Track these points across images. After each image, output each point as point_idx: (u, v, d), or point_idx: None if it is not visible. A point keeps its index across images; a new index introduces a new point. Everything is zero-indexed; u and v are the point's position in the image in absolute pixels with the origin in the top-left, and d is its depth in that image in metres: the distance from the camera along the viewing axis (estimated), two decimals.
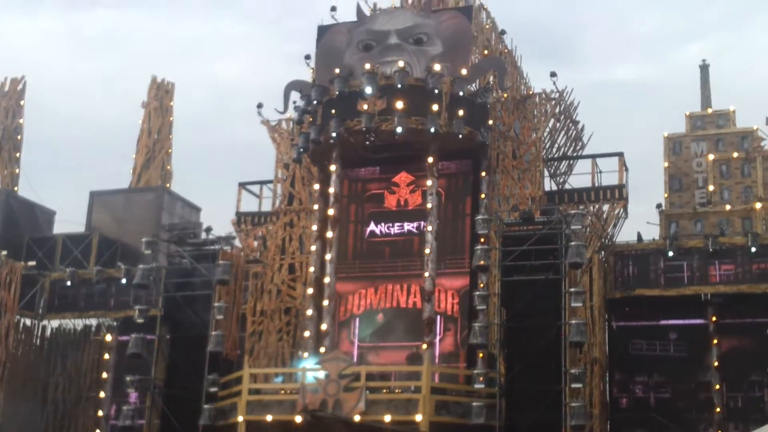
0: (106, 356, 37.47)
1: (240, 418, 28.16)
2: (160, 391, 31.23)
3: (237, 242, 35.74)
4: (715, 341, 31.18)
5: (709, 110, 47.43)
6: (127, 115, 74.46)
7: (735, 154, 43.60)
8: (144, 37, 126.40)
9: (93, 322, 39.17)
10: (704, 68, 51.00)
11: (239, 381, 29.15)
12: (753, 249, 31.48)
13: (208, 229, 33.69)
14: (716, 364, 30.95)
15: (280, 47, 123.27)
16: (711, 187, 43.10)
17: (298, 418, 27.39)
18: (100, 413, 36.55)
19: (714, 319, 31.48)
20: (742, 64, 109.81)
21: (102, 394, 36.62)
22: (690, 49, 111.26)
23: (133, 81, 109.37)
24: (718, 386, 30.74)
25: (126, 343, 32.68)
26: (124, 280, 35.66)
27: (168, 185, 47.94)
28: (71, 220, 47.91)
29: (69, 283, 38.07)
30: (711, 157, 43.89)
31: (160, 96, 50.59)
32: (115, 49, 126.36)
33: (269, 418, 27.96)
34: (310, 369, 28.55)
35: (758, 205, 40.22)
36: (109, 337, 37.75)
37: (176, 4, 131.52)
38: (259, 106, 36.48)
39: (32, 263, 40.73)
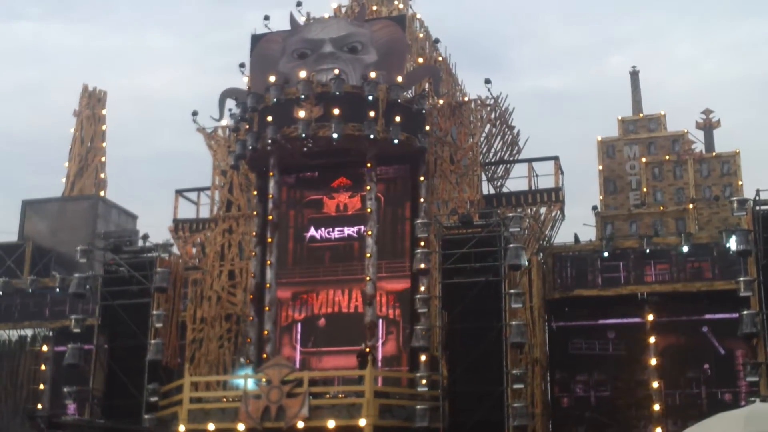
0: (43, 367, 36.73)
1: (182, 428, 27.86)
2: (99, 401, 30.72)
3: (175, 249, 35.41)
4: (653, 339, 31.69)
5: (641, 115, 48.23)
6: (53, 128, 73.15)
7: (667, 157, 44.43)
8: (67, 50, 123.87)
9: (28, 332, 38.35)
10: (634, 74, 51.79)
11: (180, 390, 28.84)
12: (685, 248, 32.06)
13: (145, 237, 33.22)
14: (654, 361, 31.46)
15: (207, 60, 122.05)
16: (644, 189, 43.88)
17: (241, 426, 27.23)
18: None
19: (651, 317, 32.01)
20: (665, 73, 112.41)
21: (39, 406, 35.87)
22: (615, 59, 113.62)
23: (58, 94, 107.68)
24: (656, 383, 31.24)
25: (63, 353, 32.13)
26: (59, 290, 35.02)
27: (102, 193, 47.23)
28: (2, 230, 46.92)
29: (2, 293, 37.25)
30: (644, 160, 44.68)
31: (92, 104, 49.82)
32: (38, 62, 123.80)
33: (211, 426, 27.72)
34: (252, 376, 28.44)
35: (690, 206, 41.14)
36: (45, 348, 37.00)
37: (100, 19, 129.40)
38: (194, 113, 36.17)
39: None
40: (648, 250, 32.38)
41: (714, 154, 44.75)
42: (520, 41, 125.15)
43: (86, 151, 48.39)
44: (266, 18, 35.44)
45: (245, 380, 28.43)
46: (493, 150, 38.23)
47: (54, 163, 57.49)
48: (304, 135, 31.66)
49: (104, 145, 49.30)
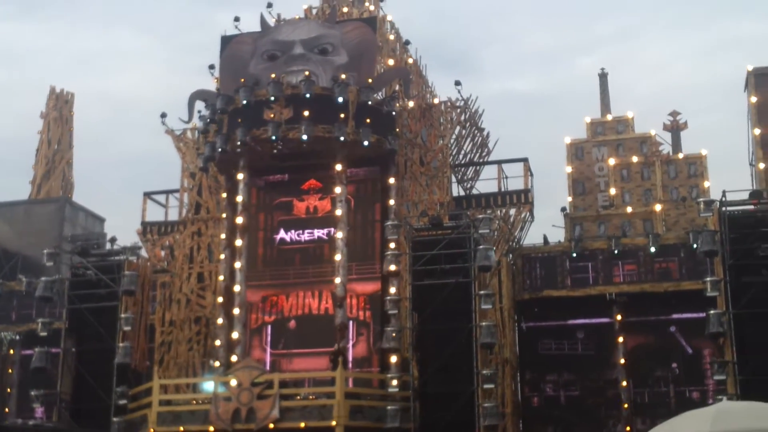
0: (10, 371, 36.40)
1: (151, 431, 27.66)
2: (67, 405, 30.44)
3: (143, 252, 35.13)
4: (621, 339, 31.99)
5: (609, 117, 48.52)
6: (22, 129, 72.57)
7: (634, 159, 44.76)
8: (38, 51, 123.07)
9: None
10: (603, 77, 52.07)
11: (149, 392, 28.64)
12: (653, 249, 32.37)
13: (113, 240, 33.00)
14: (622, 361, 31.77)
15: (177, 61, 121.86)
16: (613, 191, 44.15)
17: (211, 429, 27.09)
18: None
19: (619, 317, 32.30)
20: (634, 75, 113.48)
21: (6, 410, 35.55)
22: (584, 61, 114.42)
23: (27, 94, 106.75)
24: (624, 383, 31.53)
25: (30, 357, 31.81)
26: (25, 293, 34.70)
27: (70, 196, 46.82)
28: None
29: None
30: (612, 161, 44.98)
31: (60, 106, 49.45)
32: (7, 62, 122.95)
33: (181, 429, 27.54)
34: (222, 378, 28.32)
35: (658, 207, 41.50)
36: (12, 352, 36.66)
37: (71, 19, 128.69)
38: (163, 115, 35.90)
39: None
40: (616, 251, 32.63)
41: (681, 155, 45.16)
42: (490, 43, 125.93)
43: (53, 153, 48.02)
44: (236, 19, 35.25)
45: (215, 383, 28.27)
46: (462, 152, 38.35)
47: (22, 166, 56.98)
48: (273, 137, 31.50)
49: (72, 147, 48.93)
